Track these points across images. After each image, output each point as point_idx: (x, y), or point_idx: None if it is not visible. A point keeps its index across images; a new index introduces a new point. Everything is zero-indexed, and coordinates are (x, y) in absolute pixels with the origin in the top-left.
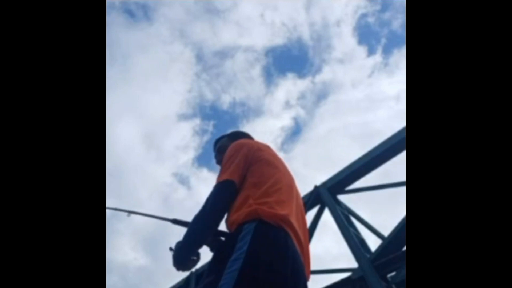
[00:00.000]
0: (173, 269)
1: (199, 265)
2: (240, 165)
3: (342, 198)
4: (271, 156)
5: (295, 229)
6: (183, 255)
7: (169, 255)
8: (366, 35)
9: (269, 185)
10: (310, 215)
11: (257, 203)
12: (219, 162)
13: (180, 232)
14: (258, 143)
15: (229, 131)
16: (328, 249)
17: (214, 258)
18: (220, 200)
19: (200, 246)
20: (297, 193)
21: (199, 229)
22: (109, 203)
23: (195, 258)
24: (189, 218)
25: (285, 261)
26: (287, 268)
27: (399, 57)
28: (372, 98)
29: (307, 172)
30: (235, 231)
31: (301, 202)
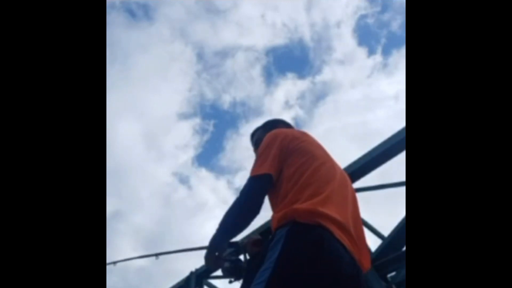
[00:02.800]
0: (173, 269)
1: (199, 265)
2: (276, 157)
3: None
4: (308, 144)
5: (335, 220)
6: (213, 246)
7: (170, 255)
8: (365, 36)
9: (306, 176)
10: None
11: (292, 200)
12: None
13: (180, 235)
14: (293, 131)
15: (264, 121)
16: None
17: (247, 267)
18: (253, 197)
19: (229, 239)
20: (342, 177)
21: (229, 224)
22: (110, 203)
23: (225, 256)
24: (190, 217)
25: (319, 263)
26: (323, 268)
27: (398, 58)
28: (371, 98)
29: None
30: (270, 238)
31: (349, 186)
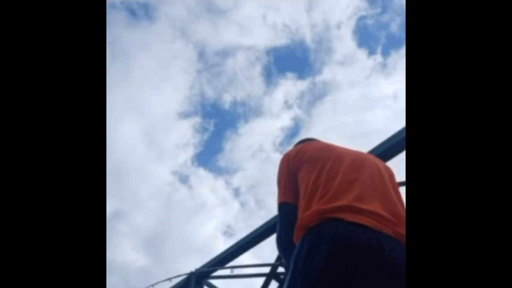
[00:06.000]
0: (173, 269)
1: (199, 265)
2: (287, 184)
3: None
4: (314, 151)
5: (346, 206)
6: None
7: (170, 255)
8: (365, 37)
9: (311, 185)
10: None
11: (303, 216)
12: None
13: (180, 235)
14: (298, 148)
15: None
16: None
17: None
18: (283, 226)
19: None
20: (356, 159)
21: (281, 253)
22: (110, 203)
23: None
24: (190, 217)
25: (334, 262)
26: (329, 264)
27: (397, 58)
28: (370, 98)
29: None
30: None
31: (369, 163)
